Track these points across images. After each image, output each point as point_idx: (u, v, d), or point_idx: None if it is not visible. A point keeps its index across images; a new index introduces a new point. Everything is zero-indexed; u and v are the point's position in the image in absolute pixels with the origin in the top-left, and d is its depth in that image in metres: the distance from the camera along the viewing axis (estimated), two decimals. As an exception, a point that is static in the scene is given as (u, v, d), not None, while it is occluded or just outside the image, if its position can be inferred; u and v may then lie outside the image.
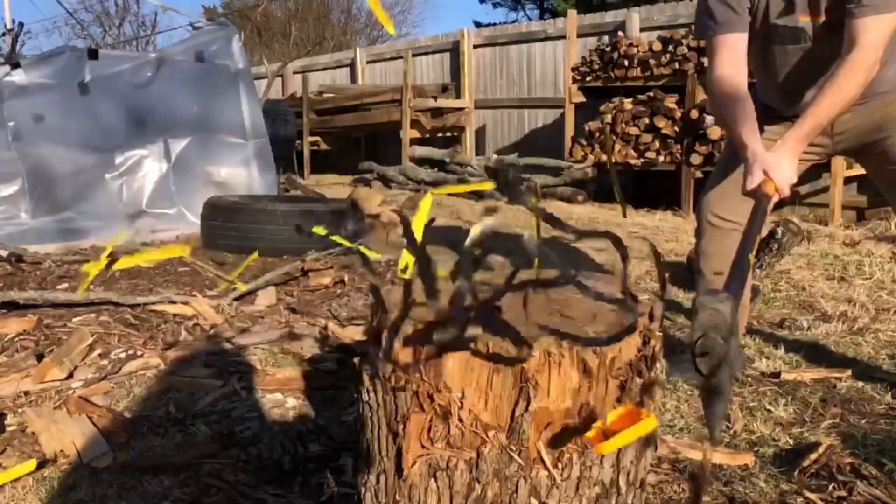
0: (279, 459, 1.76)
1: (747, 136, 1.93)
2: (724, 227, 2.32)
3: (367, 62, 12.15)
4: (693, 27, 6.54)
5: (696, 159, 6.22)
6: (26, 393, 2.24)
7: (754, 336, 2.75)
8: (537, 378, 1.08)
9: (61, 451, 1.85)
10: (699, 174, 6.26)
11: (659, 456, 1.78)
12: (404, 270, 1.36)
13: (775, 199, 1.87)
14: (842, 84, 1.85)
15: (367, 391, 1.20)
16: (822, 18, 1.93)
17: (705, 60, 6.19)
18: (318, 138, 11.36)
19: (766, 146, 2.05)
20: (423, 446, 1.13)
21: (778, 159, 1.87)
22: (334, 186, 9.25)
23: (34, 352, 2.54)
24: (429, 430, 1.13)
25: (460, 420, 1.11)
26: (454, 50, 10.25)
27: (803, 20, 1.96)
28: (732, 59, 2.01)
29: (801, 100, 2.13)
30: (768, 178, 1.85)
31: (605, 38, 7.81)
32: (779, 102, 2.16)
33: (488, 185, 1.50)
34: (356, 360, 1.21)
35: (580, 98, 7.68)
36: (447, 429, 1.11)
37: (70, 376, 2.34)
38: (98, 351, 2.56)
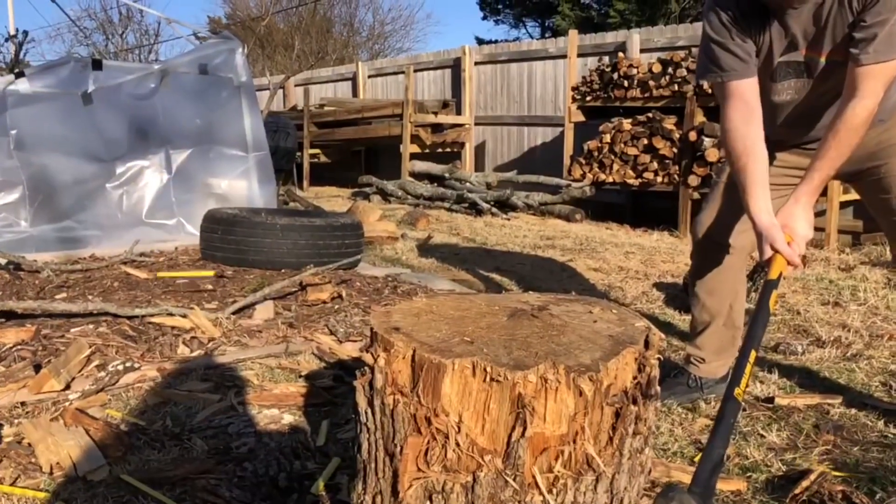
0: (275, 476, 1.77)
1: (755, 207, 1.94)
2: (719, 249, 2.35)
3: (369, 76, 12.23)
4: (692, 49, 6.62)
5: (693, 181, 6.26)
6: (23, 404, 2.24)
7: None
8: (534, 404, 1.10)
9: (57, 463, 1.85)
10: (696, 195, 6.30)
11: (653, 480, 1.79)
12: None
13: (788, 271, 1.90)
14: (844, 136, 1.87)
15: (365, 413, 1.22)
16: (824, 57, 1.94)
17: (705, 83, 6.27)
18: (318, 150, 11.42)
19: (775, 173, 2.08)
20: (419, 469, 1.15)
21: (790, 221, 1.92)
22: (333, 199, 9.28)
23: (32, 362, 2.54)
24: (426, 453, 1.14)
25: (457, 444, 1.12)
26: (455, 66, 10.33)
27: (805, 56, 1.98)
28: (745, 109, 1.99)
29: (804, 134, 2.15)
30: (776, 253, 1.89)
31: (606, 59, 7.87)
32: (783, 136, 2.17)
33: None
34: (357, 382, 1.22)
35: (580, 117, 7.74)
36: (444, 452, 1.13)
37: (67, 388, 2.35)
38: (96, 362, 2.56)
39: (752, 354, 1.63)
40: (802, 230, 1.93)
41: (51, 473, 1.83)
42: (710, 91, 6.23)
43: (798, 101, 2.08)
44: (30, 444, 1.96)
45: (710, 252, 2.38)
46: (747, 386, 1.60)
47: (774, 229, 1.90)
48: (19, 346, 2.70)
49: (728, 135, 2.02)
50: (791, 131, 2.17)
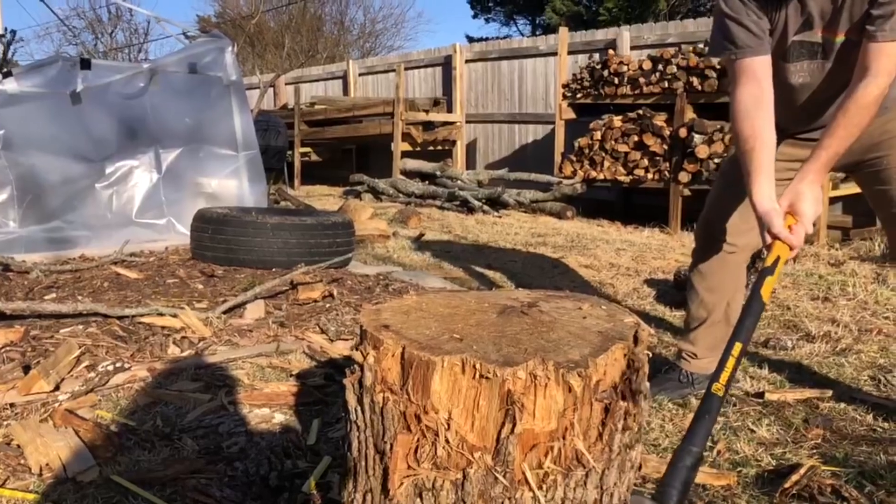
0: (266, 475, 1.77)
1: (758, 192, 1.91)
2: (724, 248, 2.34)
3: (360, 74, 12.21)
4: (682, 46, 6.63)
5: (684, 177, 6.28)
6: (12, 405, 2.23)
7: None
8: (523, 400, 1.10)
9: (47, 464, 1.84)
10: (687, 192, 6.32)
11: (643, 475, 1.80)
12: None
13: (792, 254, 1.88)
14: (854, 113, 1.84)
15: (355, 411, 1.21)
16: (840, 37, 1.92)
17: (694, 80, 6.29)
18: (309, 149, 11.40)
19: (777, 167, 2.05)
20: (409, 467, 1.14)
21: (796, 200, 1.89)
22: (324, 198, 9.26)
23: (21, 363, 2.53)
24: (415, 451, 1.14)
25: (447, 441, 1.12)
26: (446, 64, 10.32)
27: (821, 36, 1.95)
28: (757, 90, 1.95)
29: (814, 120, 2.13)
30: (775, 239, 1.86)
31: (596, 56, 7.89)
32: (790, 122, 2.14)
33: None
34: (346, 381, 1.22)
35: (570, 114, 7.75)
36: (433, 449, 1.13)
37: (57, 388, 2.34)
38: (85, 363, 2.55)
39: (737, 347, 1.61)
40: (809, 209, 1.88)
41: (40, 475, 1.82)
42: (701, 89, 6.25)
43: (809, 85, 2.05)
44: (19, 446, 1.95)
45: (712, 249, 2.36)
46: (730, 380, 1.57)
47: (774, 213, 1.87)
48: (8, 348, 2.68)
49: (737, 116, 1.97)
50: (798, 117, 2.14)
